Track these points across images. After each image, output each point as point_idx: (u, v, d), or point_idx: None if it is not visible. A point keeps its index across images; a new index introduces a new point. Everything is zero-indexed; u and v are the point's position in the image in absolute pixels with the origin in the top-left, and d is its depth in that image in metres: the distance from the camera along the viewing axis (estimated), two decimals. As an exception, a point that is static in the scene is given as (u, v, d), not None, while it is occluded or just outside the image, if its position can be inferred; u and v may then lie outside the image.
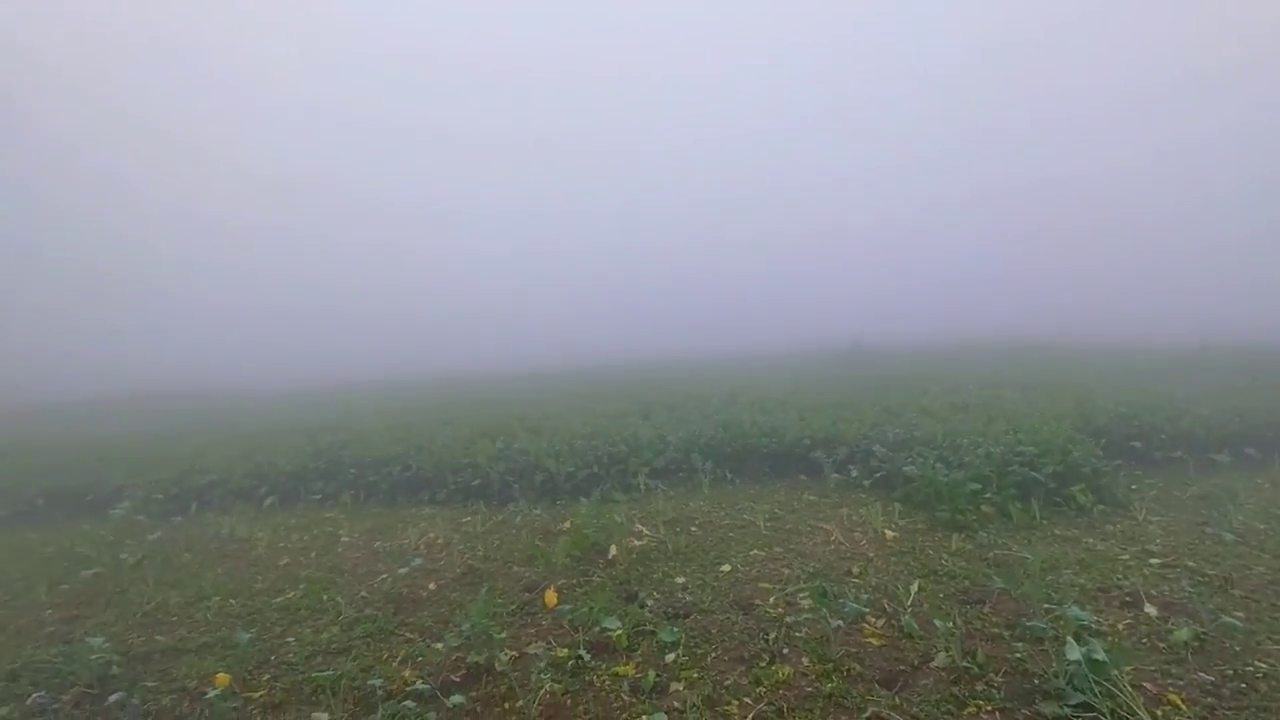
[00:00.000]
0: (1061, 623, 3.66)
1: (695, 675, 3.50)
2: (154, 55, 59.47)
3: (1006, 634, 3.70)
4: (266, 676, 3.77)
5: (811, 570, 4.79)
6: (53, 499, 7.82)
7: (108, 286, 46.96)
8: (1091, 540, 5.14)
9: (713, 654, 3.72)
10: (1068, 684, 3.04)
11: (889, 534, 5.46)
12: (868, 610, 3.98)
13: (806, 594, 4.32)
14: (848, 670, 3.44)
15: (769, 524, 5.90)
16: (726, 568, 4.99)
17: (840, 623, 3.73)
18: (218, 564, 5.76)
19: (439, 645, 4.02)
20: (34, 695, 3.65)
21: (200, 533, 6.62)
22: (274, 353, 39.33)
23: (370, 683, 3.49)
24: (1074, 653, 3.05)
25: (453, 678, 3.61)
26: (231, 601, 4.92)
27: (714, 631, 3.99)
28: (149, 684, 3.71)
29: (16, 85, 26.13)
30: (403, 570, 4.86)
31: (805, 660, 3.57)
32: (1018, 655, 3.45)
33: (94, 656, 3.82)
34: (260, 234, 57.91)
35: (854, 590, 4.37)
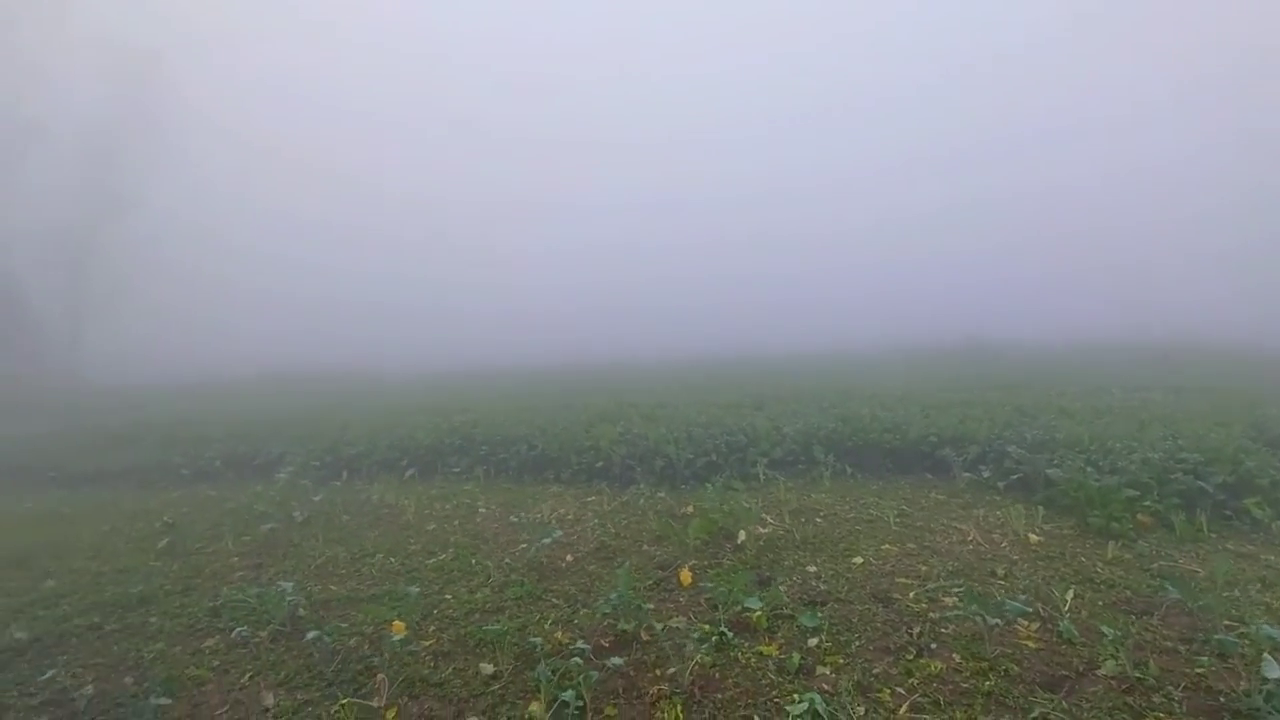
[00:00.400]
0: (1249, 641, 3.40)
1: (841, 661, 3.52)
2: (265, 82, 65.42)
3: (1182, 648, 3.48)
4: (433, 628, 4.13)
5: (951, 569, 4.67)
6: (226, 463, 8.83)
7: (237, 288, 52.67)
8: (1272, 558, 4.71)
9: (856, 642, 3.72)
10: (1266, 703, 2.83)
11: (1033, 537, 5.22)
12: (1028, 611, 3.85)
13: (949, 591, 4.24)
14: (1005, 670, 3.36)
15: (898, 520, 5.78)
16: (858, 560, 4.95)
17: (998, 621, 3.63)
18: (374, 526, 6.32)
19: (585, 612, 4.25)
20: (237, 630, 4.18)
21: (354, 497, 7.26)
22: (380, 343, 42.79)
23: (531, 640, 3.74)
24: (1274, 670, 2.84)
25: (603, 642, 3.81)
26: (391, 560, 5.39)
27: (854, 621, 3.98)
28: (339, 626, 4.14)
29: (166, 117, 29.60)
30: (546, 541, 5.14)
31: (956, 657, 3.51)
32: (1198, 670, 3.24)
33: (289, 599, 4.31)
34: (360, 235, 62.88)
35: (1001, 592, 4.22)
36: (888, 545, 5.23)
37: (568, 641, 3.80)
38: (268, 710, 3.33)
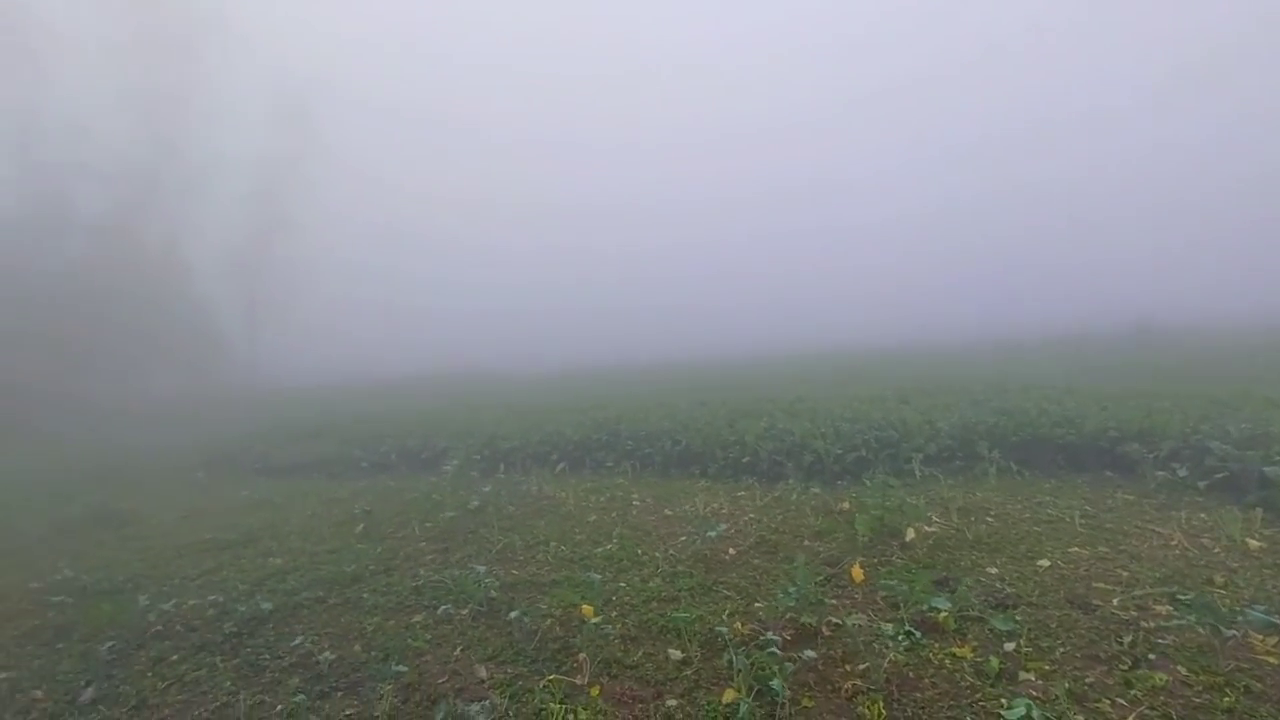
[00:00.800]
0: None
1: (1046, 668, 3.36)
2: (402, 115, 71.92)
3: None
4: (614, 613, 4.35)
5: (1158, 575, 4.30)
6: (400, 456, 9.71)
7: (382, 301, 59.14)
8: None
9: (1060, 649, 3.53)
10: None
11: (1253, 543, 4.69)
12: (1275, 624, 3.49)
13: (1160, 599, 3.92)
14: (1245, 687, 3.07)
15: (1084, 522, 5.39)
16: (1044, 563, 4.67)
17: (1234, 633, 3.32)
18: (539, 516, 6.72)
19: (761, 604, 4.31)
20: (442, 607, 4.61)
21: (515, 489, 7.75)
22: (508, 345, 45.95)
23: (716, 629, 3.86)
24: None
25: (784, 635, 3.85)
26: (562, 548, 5.72)
27: (1053, 626, 3.78)
28: (537, 608, 4.47)
29: (320, 149, 33.45)
30: (711, 534, 5.27)
31: (1182, 669, 3.24)
32: None
33: (487, 580, 4.70)
34: (487, 250, 67.90)
35: (1225, 602, 3.84)
36: (1075, 548, 4.90)
37: (751, 632, 3.88)
38: (483, 682, 3.67)
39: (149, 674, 4.06)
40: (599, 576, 4.68)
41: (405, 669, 3.70)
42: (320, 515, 7.49)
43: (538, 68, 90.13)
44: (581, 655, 3.70)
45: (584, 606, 4.19)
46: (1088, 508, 5.73)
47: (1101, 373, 12.12)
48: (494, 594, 4.77)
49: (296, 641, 4.26)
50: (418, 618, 4.58)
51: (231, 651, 4.27)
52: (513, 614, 4.18)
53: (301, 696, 3.53)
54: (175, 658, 4.24)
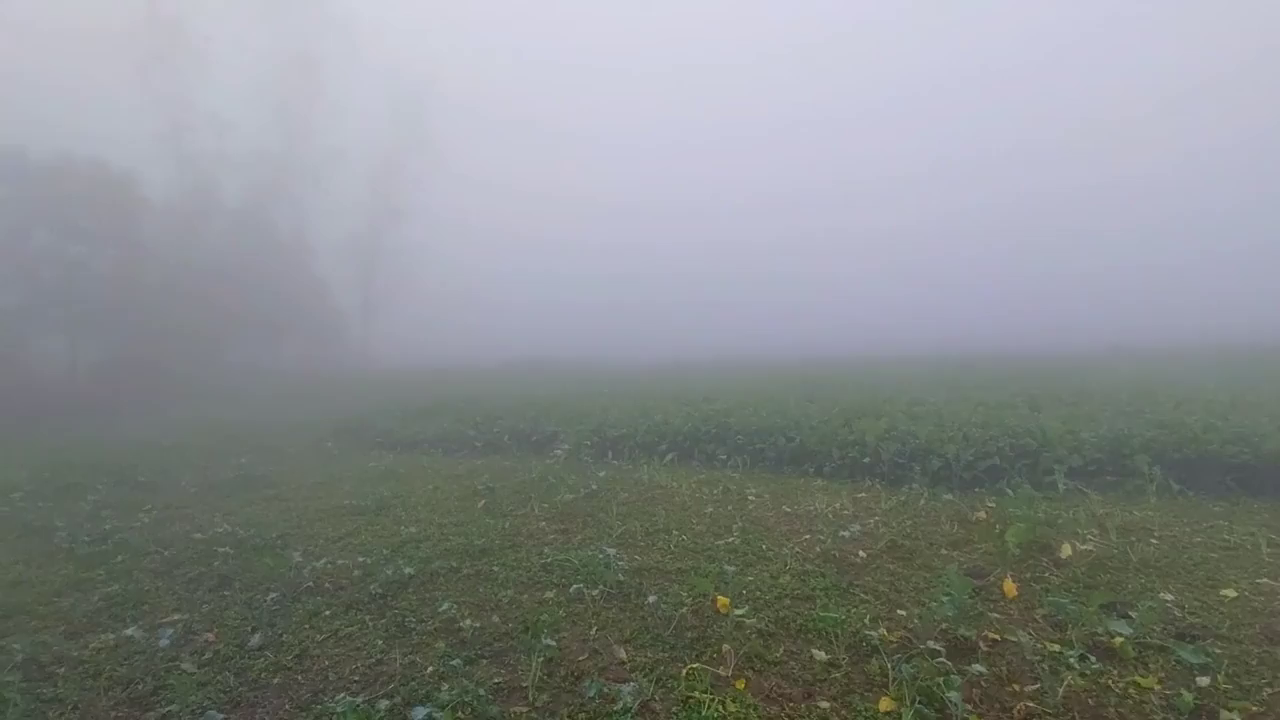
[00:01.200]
0: None
1: (1254, 709, 2.99)
2: (508, 112, 75.18)
3: None
4: (747, 607, 4.25)
5: (1378, 617, 3.76)
6: (512, 437, 10.00)
7: (488, 286, 62.09)
8: None
9: (1267, 689, 3.14)
10: None
11: None
12: None
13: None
14: None
15: (1271, 550, 4.80)
16: (1230, 593, 4.19)
17: None
18: (655, 503, 6.72)
19: (902, 611, 4.10)
20: (575, 586, 4.66)
21: (627, 476, 7.79)
22: (604, 336, 47.48)
23: (864, 633, 3.70)
24: None
25: (936, 645, 3.64)
26: (682, 537, 5.68)
27: (1253, 664, 3.37)
28: (678, 593, 4.44)
29: (431, 141, 35.45)
30: (845, 534, 5.08)
31: None
32: None
33: (621, 563, 4.72)
34: (586, 243, 69.77)
35: None
36: (1265, 579, 4.38)
37: (902, 640, 3.69)
38: (623, 664, 3.67)
39: (306, 626, 4.33)
40: (732, 568, 4.60)
41: (553, 643, 3.75)
42: (442, 489, 7.81)
43: (637, 68, 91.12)
44: (726, 647, 3.63)
45: (719, 598, 4.12)
46: (1273, 535, 5.11)
47: (1254, 385, 10.84)
48: (622, 577, 4.78)
49: (443, 607, 4.42)
50: (549, 594, 4.66)
51: (379, 611, 4.49)
52: (650, 598, 4.17)
53: (457, 661, 3.64)
54: (328, 613, 4.50)
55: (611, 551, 4.90)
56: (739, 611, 3.77)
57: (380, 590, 4.77)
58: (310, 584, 4.96)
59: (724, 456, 8.33)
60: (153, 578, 5.29)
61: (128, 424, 16.88)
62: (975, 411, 8.48)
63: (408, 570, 4.99)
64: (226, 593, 4.96)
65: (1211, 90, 60.22)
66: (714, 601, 4.16)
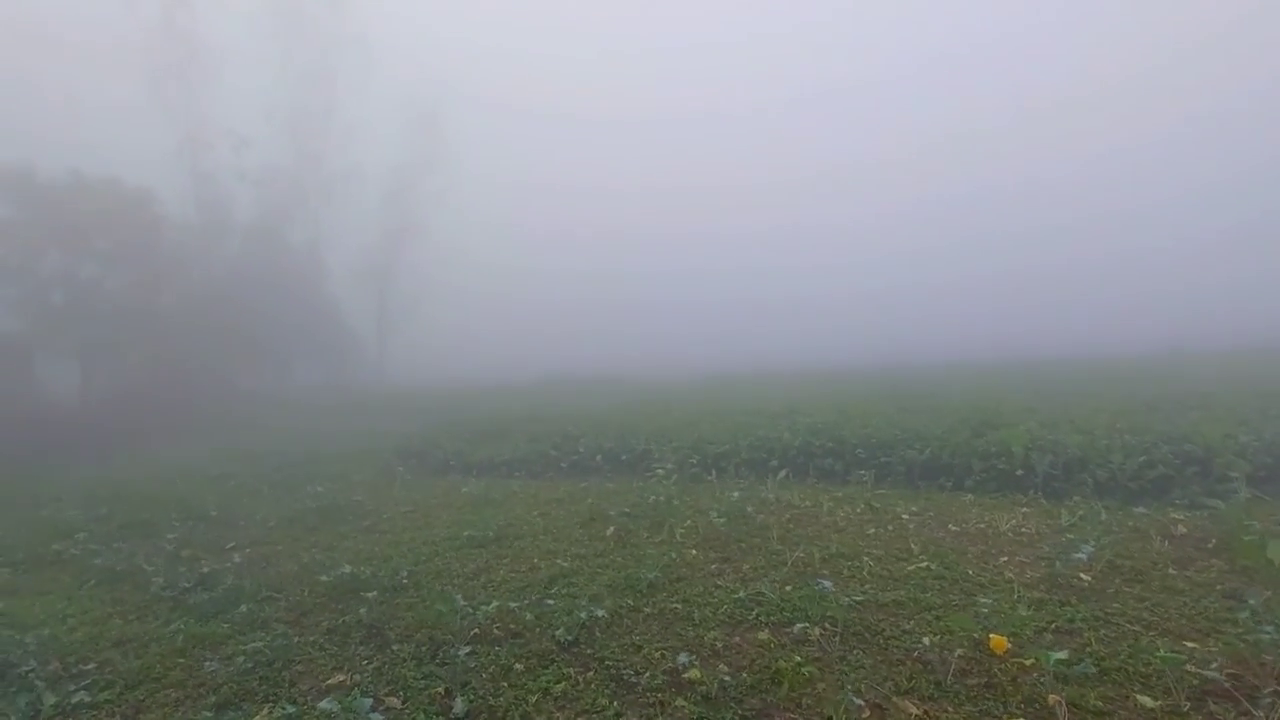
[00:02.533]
0: None
1: None
2: (523, 123, 75.05)
3: None
4: (1015, 646, 3.72)
5: None
6: (603, 457, 9.42)
7: (502, 302, 61.83)
8: None
9: None
10: None
11: None
12: None
13: None
14: None
15: None
16: None
17: None
18: (802, 525, 6.19)
19: (1191, 643, 3.61)
20: (799, 625, 4.11)
21: (750, 495, 7.22)
22: (637, 341, 47.55)
23: (1187, 669, 3.20)
24: None
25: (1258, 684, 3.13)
26: (867, 563, 5.14)
27: None
28: (946, 630, 3.90)
29: (444, 158, 35.08)
30: (1079, 556, 4.58)
31: None
32: None
33: (845, 599, 4.19)
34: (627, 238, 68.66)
35: None
36: None
37: (1233, 677, 3.19)
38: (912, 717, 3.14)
39: (504, 684, 3.75)
40: (987, 600, 4.08)
41: (861, 701, 3.20)
42: (553, 515, 7.23)
43: (660, 53, 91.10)
44: (1053, 697, 3.11)
45: (993, 637, 3.60)
46: None
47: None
48: (832, 613, 4.24)
49: (653, 654, 3.86)
50: (763, 635, 4.10)
51: (581, 662, 3.92)
52: (924, 640, 3.64)
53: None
54: (521, 667, 3.92)
55: (827, 584, 4.36)
56: (1058, 655, 3.23)
57: (568, 636, 4.19)
58: (477, 631, 4.37)
59: (839, 472, 7.82)
60: (289, 629, 4.68)
61: (155, 453, 16.09)
62: (1101, 417, 8.04)
63: (599, 612, 4.40)
64: (386, 646, 4.35)
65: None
66: (990, 642, 3.63)
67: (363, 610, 4.72)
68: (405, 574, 5.49)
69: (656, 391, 21.95)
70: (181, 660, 4.37)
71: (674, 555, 5.64)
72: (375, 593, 5.01)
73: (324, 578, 5.37)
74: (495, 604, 4.52)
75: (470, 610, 4.52)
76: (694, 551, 5.75)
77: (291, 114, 31.43)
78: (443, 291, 41.29)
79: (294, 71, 31.37)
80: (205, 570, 5.92)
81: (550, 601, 4.76)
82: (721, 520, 6.17)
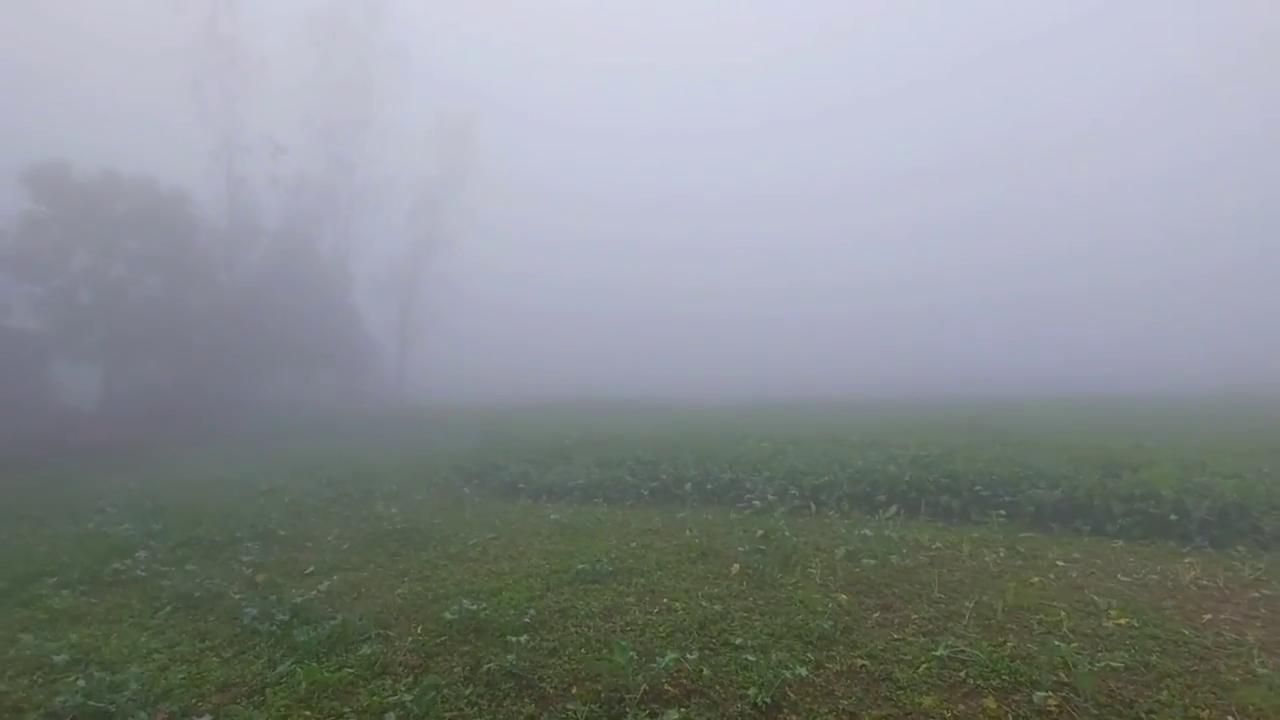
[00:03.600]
0: None
1: None
2: (549, 137, 75.38)
3: None
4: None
5: None
6: (693, 486, 8.84)
7: (529, 318, 60.93)
8: None
9: None
10: None
11: None
12: None
13: None
14: None
15: None
16: None
17: None
18: (948, 569, 5.64)
19: None
20: (1038, 694, 3.59)
21: (877, 533, 6.67)
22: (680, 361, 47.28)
23: None
24: None
25: None
26: (1060, 616, 4.59)
27: None
28: (1162, 700, 3.37)
29: (470, 171, 34.93)
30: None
31: None
32: None
33: (1084, 664, 3.65)
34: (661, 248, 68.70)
35: None
36: None
37: None
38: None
39: (713, 755, 3.20)
40: (1232, 664, 3.55)
41: None
42: (656, 547, 6.66)
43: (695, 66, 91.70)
44: None
45: None
46: None
47: None
48: (1079, 681, 3.69)
49: (885, 729, 3.32)
50: (989, 702, 3.57)
51: (795, 732, 3.37)
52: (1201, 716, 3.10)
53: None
54: (725, 733, 3.37)
55: (1069, 646, 3.82)
56: None
57: (764, 698, 3.64)
58: (646, 687, 3.81)
59: (959, 509, 7.29)
60: (421, 676, 4.11)
61: (183, 461, 15.44)
62: (1228, 459, 7.56)
63: (800, 670, 3.85)
64: (547, 702, 3.78)
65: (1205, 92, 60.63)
66: None
67: (510, 657, 4.15)
68: (530, 612, 4.93)
69: (704, 417, 21.46)
70: (309, 713, 3.80)
71: (825, 601, 5.09)
72: (525, 636, 4.44)
73: (447, 614, 4.80)
74: (671, 655, 3.95)
75: (641, 662, 3.96)
76: (844, 596, 5.20)
77: (326, 122, 31.22)
78: (466, 304, 40.75)
79: (331, 80, 31.19)
80: (299, 600, 5.34)
81: (713, 653, 4.22)
82: (872, 561, 5.63)
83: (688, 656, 4.07)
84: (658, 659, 3.94)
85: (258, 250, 26.04)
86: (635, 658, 3.97)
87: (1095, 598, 4.97)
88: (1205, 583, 5.23)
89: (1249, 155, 57.05)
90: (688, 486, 8.60)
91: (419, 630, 4.85)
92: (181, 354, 19.50)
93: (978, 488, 7.37)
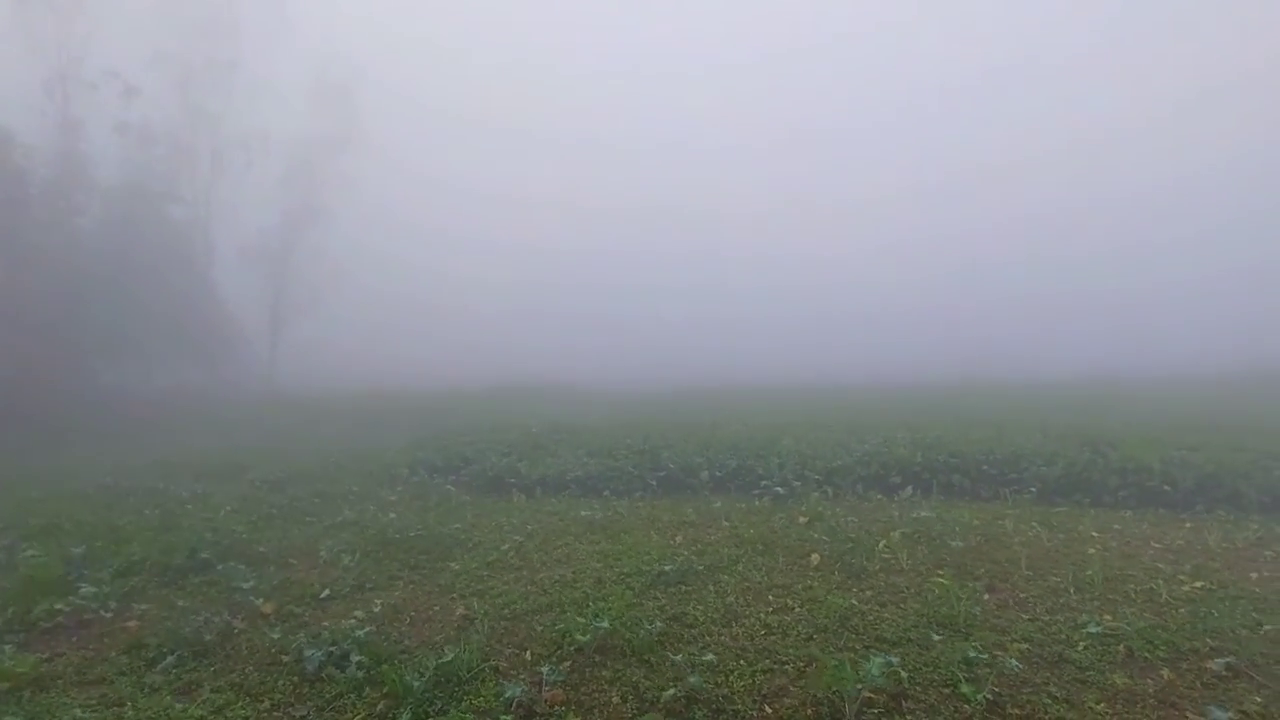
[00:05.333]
0: None
1: None
2: (441, 112, 70.38)
3: None
4: None
5: None
6: (710, 474, 8.54)
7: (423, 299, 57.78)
8: None
9: None
10: None
11: None
12: None
13: None
14: None
15: None
16: None
17: None
18: (1002, 547, 5.84)
19: None
20: (1213, 661, 3.77)
21: (903, 514, 6.82)
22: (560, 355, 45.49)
23: None
24: None
25: None
26: (1161, 586, 4.90)
27: None
28: None
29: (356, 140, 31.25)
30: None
31: None
32: None
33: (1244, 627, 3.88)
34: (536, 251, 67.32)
35: None
36: None
37: None
38: None
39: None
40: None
41: None
42: (707, 541, 6.32)
43: (585, 66, 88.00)
44: None
45: None
46: None
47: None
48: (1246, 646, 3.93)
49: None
50: (1165, 673, 3.71)
51: (1038, 730, 3.28)
52: None
53: None
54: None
55: (1181, 612, 4.04)
56: None
57: (985, 695, 3.51)
58: (868, 695, 3.54)
59: (969, 487, 7.70)
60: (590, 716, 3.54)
61: (40, 464, 12.51)
62: (1194, 435, 8.64)
63: (1011, 662, 3.76)
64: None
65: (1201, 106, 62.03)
66: None
67: (692, 679, 3.69)
68: (653, 625, 4.45)
69: (645, 404, 21.12)
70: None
71: (936, 586, 5.07)
72: (680, 654, 3.97)
73: (579, 636, 4.19)
74: (878, 660, 3.69)
75: (850, 667, 3.68)
76: (942, 579, 5.24)
77: (185, 64, 26.48)
78: (354, 290, 36.96)
79: (192, 14, 26.49)
80: (359, 634, 4.42)
81: (875, 652, 4.04)
82: (960, 544, 5.73)
83: (893, 660, 3.84)
84: (861, 665, 3.68)
85: (97, 211, 21.53)
86: (844, 665, 3.68)
87: (1160, 565, 5.41)
88: (1225, 545, 5.89)
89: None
90: (704, 475, 8.36)
91: (528, 655, 4.22)
92: (10, 338, 15.66)
93: (984, 466, 7.84)
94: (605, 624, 4.24)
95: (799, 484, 7.75)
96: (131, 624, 4.93)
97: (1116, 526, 6.50)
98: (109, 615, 5.02)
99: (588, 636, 4.17)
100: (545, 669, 3.92)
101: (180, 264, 23.81)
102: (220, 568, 5.85)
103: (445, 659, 3.99)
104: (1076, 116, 68.10)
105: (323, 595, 5.38)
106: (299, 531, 7.08)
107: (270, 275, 29.68)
